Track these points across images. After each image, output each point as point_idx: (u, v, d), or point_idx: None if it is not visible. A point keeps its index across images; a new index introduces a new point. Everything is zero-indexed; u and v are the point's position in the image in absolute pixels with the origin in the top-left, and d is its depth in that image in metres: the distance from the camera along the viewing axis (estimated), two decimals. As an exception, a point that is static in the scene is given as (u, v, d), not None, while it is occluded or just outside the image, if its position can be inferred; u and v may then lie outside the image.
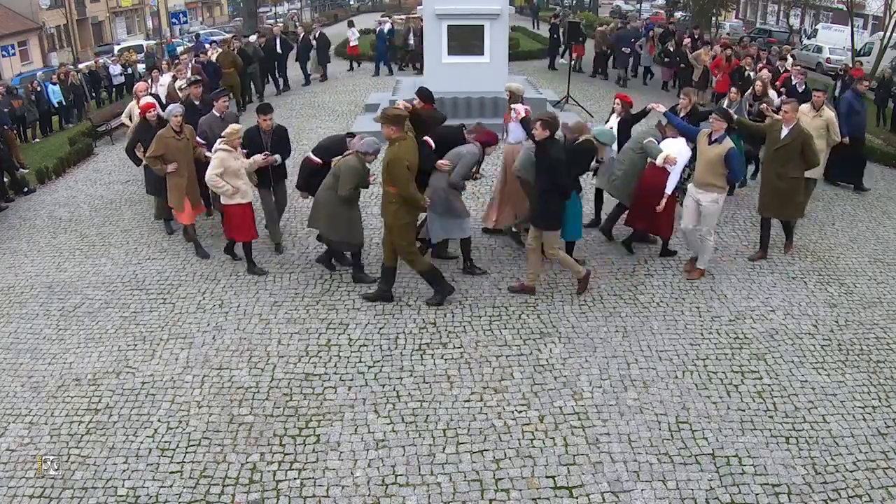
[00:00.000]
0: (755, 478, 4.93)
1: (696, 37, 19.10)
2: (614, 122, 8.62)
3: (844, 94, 11.73)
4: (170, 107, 8.45)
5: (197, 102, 9.38)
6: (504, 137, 8.35)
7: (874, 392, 5.87)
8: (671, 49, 18.60)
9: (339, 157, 7.19)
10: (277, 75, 18.13)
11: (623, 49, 19.11)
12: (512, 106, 8.09)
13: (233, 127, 7.45)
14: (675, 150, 7.53)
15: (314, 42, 18.98)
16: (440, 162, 7.19)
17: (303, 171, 7.80)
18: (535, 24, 34.33)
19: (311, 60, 19.76)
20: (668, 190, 7.48)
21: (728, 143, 7.19)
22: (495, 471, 5.00)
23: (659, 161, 7.52)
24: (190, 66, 14.06)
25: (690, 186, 7.52)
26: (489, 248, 8.29)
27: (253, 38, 17.57)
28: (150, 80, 12.38)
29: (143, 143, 8.42)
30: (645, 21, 26.81)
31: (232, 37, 18.54)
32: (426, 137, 7.36)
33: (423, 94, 8.15)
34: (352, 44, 21.10)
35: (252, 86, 17.13)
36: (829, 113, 9.32)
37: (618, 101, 8.74)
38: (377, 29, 20.81)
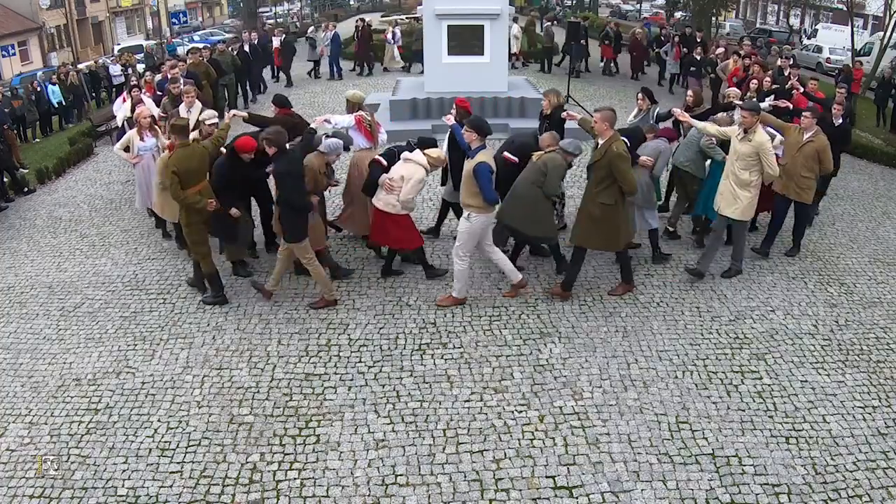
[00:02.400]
0: (755, 478, 4.93)
1: (696, 41, 18.45)
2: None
3: None
4: (330, 142, 7.32)
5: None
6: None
7: (874, 392, 5.87)
8: (697, 58, 17.07)
9: (540, 153, 7.14)
10: (248, 85, 17.25)
11: (581, 42, 19.71)
12: (323, 117, 8.10)
13: (435, 152, 7.18)
14: (778, 137, 7.93)
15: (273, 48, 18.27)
16: (643, 158, 7.46)
17: (499, 171, 7.43)
18: (542, 26, 34.15)
19: (388, 56, 19.57)
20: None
21: (480, 157, 6.51)
22: (495, 471, 5.00)
23: (776, 143, 7.78)
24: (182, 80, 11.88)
25: None
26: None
27: (221, 45, 16.31)
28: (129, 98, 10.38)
29: (233, 183, 7.22)
30: (643, 21, 26.71)
31: (221, 41, 18.03)
32: (376, 157, 7.44)
33: (278, 100, 8.53)
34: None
35: (230, 96, 15.60)
36: (761, 138, 7.05)
37: (455, 106, 7.86)
38: (330, 33, 20.49)
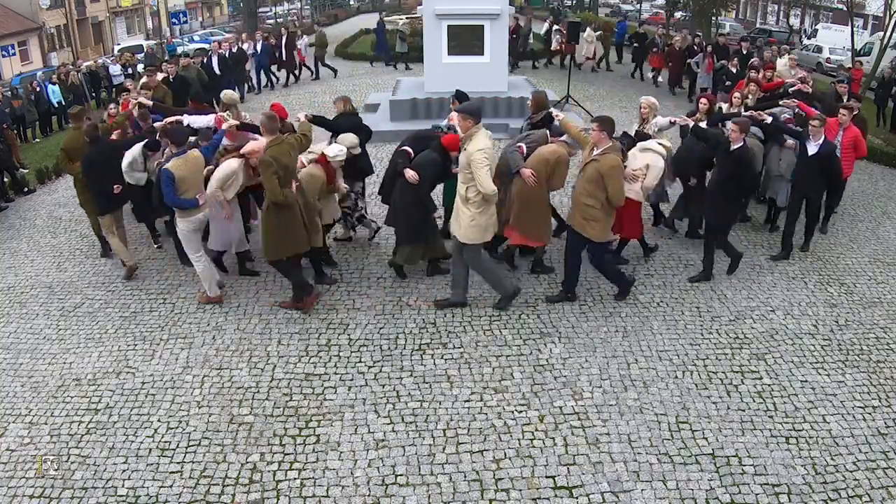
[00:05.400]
0: (755, 478, 4.94)
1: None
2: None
3: None
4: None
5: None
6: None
7: (874, 392, 5.87)
8: (733, 70, 14.96)
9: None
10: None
11: (552, 38, 19.73)
12: (178, 117, 8.18)
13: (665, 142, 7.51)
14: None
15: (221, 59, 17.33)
16: (790, 142, 8.21)
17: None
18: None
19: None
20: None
21: (168, 163, 6.68)
22: (495, 471, 5.00)
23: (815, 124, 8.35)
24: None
25: None
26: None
27: (185, 59, 15.23)
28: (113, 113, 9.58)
29: (436, 185, 7.36)
30: (618, 20, 26.07)
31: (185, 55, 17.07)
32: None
33: (194, 95, 9.58)
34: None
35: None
36: (473, 147, 6.10)
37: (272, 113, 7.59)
38: (255, 45, 19.68)
